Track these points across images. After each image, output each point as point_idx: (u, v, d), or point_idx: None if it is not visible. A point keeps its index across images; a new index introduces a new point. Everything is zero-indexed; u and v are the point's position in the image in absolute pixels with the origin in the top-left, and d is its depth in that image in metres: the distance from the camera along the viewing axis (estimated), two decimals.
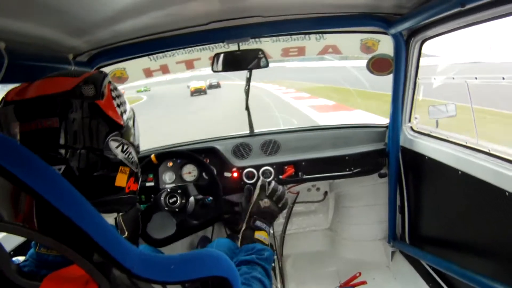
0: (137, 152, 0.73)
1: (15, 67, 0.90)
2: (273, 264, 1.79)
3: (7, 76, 0.88)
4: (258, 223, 1.10)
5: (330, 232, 2.47)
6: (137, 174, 0.72)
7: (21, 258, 0.69)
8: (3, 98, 0.63)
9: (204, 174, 1.87)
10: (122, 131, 0.66)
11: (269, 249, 1.03)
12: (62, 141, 0.59)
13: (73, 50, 1.31)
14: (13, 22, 0.88)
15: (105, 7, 1.05)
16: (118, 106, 0.67)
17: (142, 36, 1.46)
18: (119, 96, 0.69)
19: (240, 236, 1.09)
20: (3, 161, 0.40)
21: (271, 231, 1.12)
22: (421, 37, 1.55)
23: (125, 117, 0.68)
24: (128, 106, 0.72)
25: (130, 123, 0.70)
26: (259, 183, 1.20)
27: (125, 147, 0.67)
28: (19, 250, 1.18)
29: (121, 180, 0.67)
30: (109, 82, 0.68)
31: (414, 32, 1.57)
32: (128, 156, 0.68)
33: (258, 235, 1.07)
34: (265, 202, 1.15)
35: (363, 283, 2.01)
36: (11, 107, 0.60)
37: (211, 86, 22.86)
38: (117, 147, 0.65)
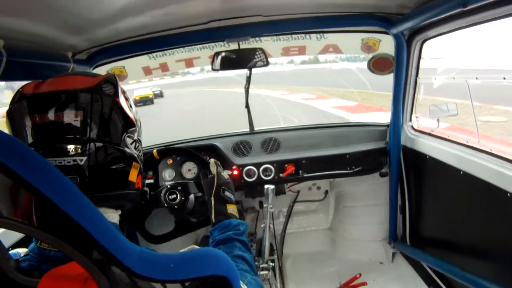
0: (142, 153, 0.77)
1: (14, 65, 0.90)
2: (272, 264, 1.81)
3: (6, 73, 0.88)
4: (227, 193, 1.11)
5: (330, 232, 2.47)
6: (142, 171, 0.76)
7: (21, 250, 0.70)
8: (19, 91, 0.65)
9: (204, 172, 1.86)
10: (135, 129, 0.71)
11: (244, 223, 1.04)
12: (84, 134, 0.62)
13: (72, 48, 1.31)
14: (12, 20, 0.88)
15: (105, 6, 1.05)
16: (130, 106, 0.72)
17: (141, 34, 1.46)
18: (128, 98, 0.73)
19: (213, 210, 1.07)
20: (2, 157, 0.40)
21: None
22: (422, 37, 1.54)
23: (136, 117, 0.73)
24: (135, 109, 0.76)
25: (139, 123, 0.75)
26: (212, 160, 1.24)
27: (137, 144, 0.72)
28: (18, 245, 1.18)
29: (133, 175, 0.70)
30: (120, 86, 0.72)
31: (415, 32, 1.56)
32: (139, 153, 0.73)
33: (231, 209, 1.07)
34: (225, 174, 1.19)
35: (364, 284, 2.00)
36: (31, 100, 0.62)
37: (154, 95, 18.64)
38: (131, 143, 0.70)
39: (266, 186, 1.60)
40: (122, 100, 0.69)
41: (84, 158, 0.62)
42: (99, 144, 0.63)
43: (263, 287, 0.83)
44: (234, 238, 0.95)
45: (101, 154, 0.64)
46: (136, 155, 0.71)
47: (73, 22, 1.09)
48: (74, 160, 0.61)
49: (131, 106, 0.72)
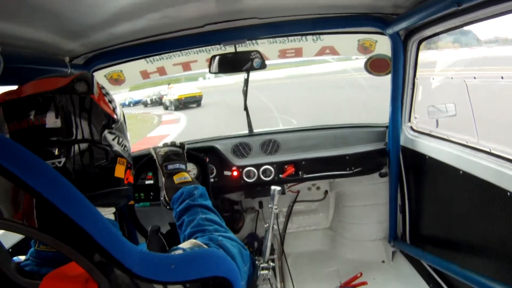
0: (129, 147, 0.75)
1: (11, 71, 0.90)
2: (273, 264, 1.81)
3: (3, 79, 0.88)
4: (170, 166, 1.10)
5: (330, 232, 2.47)
6: (131, 167, 0.74)
7: (22, 258, 0.69)
8: None
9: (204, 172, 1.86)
10: (116, 125, 0.69)
11: (198, 185, 1.01)
12: (61, 135, 0.60)
13: (69, 53, 1.32)
14: (9, 25, 0.88)
15: (101, 10, 1.05)
16: (110, 102, 0.70)
17: (138, 38, 1.47)
18: (108, 93, 0.72)
19: (164, 191, 1.06)
20: (2, 160, 0.40)
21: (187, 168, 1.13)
22: (418, 37, 1.54)
23: (117, 112, 0.71)
24: (117, 104, 0.74)
25: (122, 118, 0.73)
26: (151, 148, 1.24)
27: (120, 139, 0.70)
28: (18, 247, 1.19)
29: (120, 171, 0.69)
30: (97, 82, 0.71)
31: (411, 32, 1.56)
32: (124, 148, 0.71)
33: (178, 178, 1.05)
34: (161, 150, 1.17)
35: (364, 283, 2.00)
36: (5, 107, 0.61)
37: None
38: (113, 139, 0.68)
39: (272, 187, 1.60)
40: (98, 96, 0.67)
41: (63, 160, 0.60)
42: (76, 144, 0.61)
43: (235, 239, 0.81)
44: (193, 205, 0.93)
45: (80, 154, 0.61)
46: (120, 150, 0.69)
47: (70, 27, 1.10)
48: (53, 163, 0.59)
49: (110, 101, 0.70)
